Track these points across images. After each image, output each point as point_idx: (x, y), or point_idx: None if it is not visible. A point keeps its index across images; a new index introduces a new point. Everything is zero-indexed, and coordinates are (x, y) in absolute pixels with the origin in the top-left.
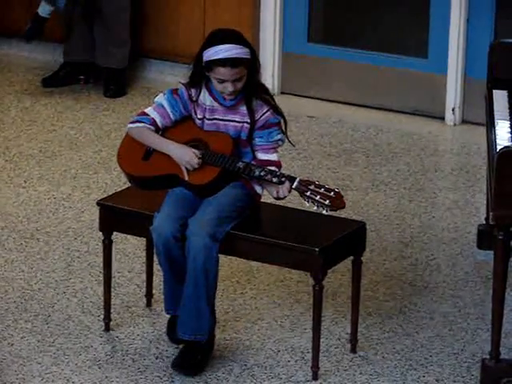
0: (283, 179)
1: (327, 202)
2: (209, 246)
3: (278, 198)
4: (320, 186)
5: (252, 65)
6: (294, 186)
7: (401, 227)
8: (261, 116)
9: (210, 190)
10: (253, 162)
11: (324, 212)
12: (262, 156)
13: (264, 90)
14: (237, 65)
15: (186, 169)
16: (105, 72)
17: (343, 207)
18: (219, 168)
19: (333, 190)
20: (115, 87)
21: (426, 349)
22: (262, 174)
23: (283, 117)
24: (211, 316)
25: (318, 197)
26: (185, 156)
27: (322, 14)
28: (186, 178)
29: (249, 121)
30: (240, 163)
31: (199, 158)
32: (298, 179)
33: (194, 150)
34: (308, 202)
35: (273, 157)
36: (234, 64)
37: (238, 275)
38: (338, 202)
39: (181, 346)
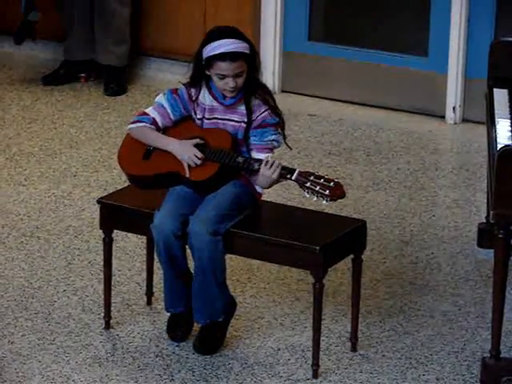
0: (282, 171)
1: (327, 192)
2: (212, 243)
3: (265, 179)
4: (319, 177)
5: (251, 60)
6: (293, 178)
7: (401, 226)
8: (258, 115)
9: (211, 186)
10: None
11: (324, 202)
12: (255, 155)
13: (265, 89)
14: (236, 58)
15: (188, 165)
16: (105, 70)
17: (343, 197)
18: (219, 163)
19: (332, 181)
20: (115, 85)
21: (426, 347)
22: (264, 161)
23: (281, 118)
24: (224, 296)
25: (318, 187)
26: (186, 152)
27: (322, 13)
28: (188, 175)
29: (246, 120)
30: (239, 158)
31: (201, 152)
32: (297, 171)
33: (194, 140)
34: (308, 192)
35: (264, 157)
36: (233, 58)
37: (238, 273)
38: (337, 192)
39: (197, 328)
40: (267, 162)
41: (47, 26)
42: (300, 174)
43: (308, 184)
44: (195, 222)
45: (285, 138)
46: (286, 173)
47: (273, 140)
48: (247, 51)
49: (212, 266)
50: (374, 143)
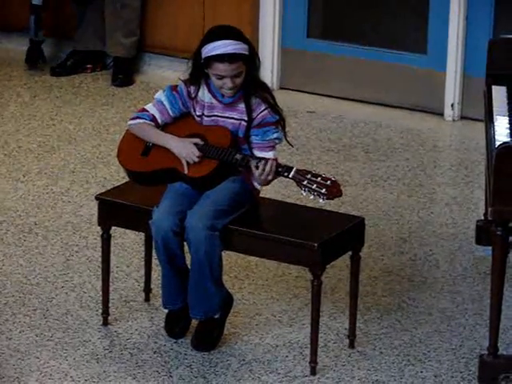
0: (280, 169)
1: (324, 190)
2: (209, 238)
3: (262, 179)
4: (317, 176)
5: (251, 61)
6: (290, 176)
7: (399, 223)
8: (258, 114)
9: (209, 183)
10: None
11: (321, 201)
12: (258, 154)
13: (264, 88)
14: (234, 60)
15: (186, 162)
16: (113, 61)
17: (340, 196)
18: (217, 160)
19: (329, 179)
20: (123, 76)
21: (424, 344)
22: (258, 164)
23: (281, 116)
24: (220, 292)
25: (315, 186)
26: (185, 149)
27: (321, 10)
28: (186, 172)
29: (246, 118)
30: (237, 155)
31: (199, 150)
32: (294, 169)
33: (194, 139)
34: (305, 191)
35: (269, 155)
36: (231, 59)
37: (237, 270)
38: (334, 190)
39: (195, 325)
40: (258, 166)
41: (47, 22)
42: (297, 172)
43: (305, 182)
44: (192, 216)
45: (285, 135)
46: (283, 171)
47: (275, 138)
48: (246, 52)
49: (208, 261)
50: (372, 140)
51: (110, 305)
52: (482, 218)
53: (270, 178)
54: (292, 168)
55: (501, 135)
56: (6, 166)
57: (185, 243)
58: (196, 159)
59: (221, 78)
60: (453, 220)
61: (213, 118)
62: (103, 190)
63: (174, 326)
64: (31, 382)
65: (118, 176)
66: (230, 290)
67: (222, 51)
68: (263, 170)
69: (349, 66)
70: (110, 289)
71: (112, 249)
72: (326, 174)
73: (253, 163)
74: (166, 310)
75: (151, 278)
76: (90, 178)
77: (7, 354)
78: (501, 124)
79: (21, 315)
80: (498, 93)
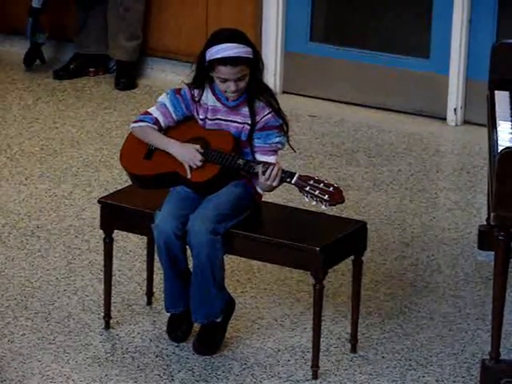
0: (282, 175)
1: (326, 196)
2: (211, 242)
3: (266, 186)
4: (319, 182)
5: (255, 65)
6: (293, 182)
7: (402, 227)
8: (262, 118)
9: (211, 188)
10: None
11: (323, 207)
12: (260, 157)
13: (268, 92)
14: (238, 64)
15: (189, 167)
16: (116, 64)
17: (342, 202)
18: (219, 165)
19: (332, 186)
20: (126, 80)
21: (426, 349)
22: (265, 170)
23: (285, 120)
24: (222, 296)
25: (317, 192)
26: (187, 154)
27: (324, 14)
28: (189, 176)
29: (250, 122)
30: (240, 160)
31: (201, 155)
32: (297, 174)
33: (195, 145)
34: (307, 197)
35: (271, 159)
36: (234, 63)
37: (239, 274)
38: (336, 197)
39: (197, 329)
40: (265, 171)
41: (49, 25)
42: (300, 177)
43: (307, 188)
44: (195, 220)
45: (288, 140)
46: (285, 176)
47: (277, 142)
48: (249, 55)
49: (210, 264)
50: (375, 145)
51: (112, 308)
52: (485, 222)
53: (275, 183)
54: (294, 174)
55: (503, 140)
56: (8, 169)
57: (187, 247)
58: (199, 163)
59: (224, 81)
60: (455, 225)
61: (216, 121)
62: (106, 194)
63: (176, 330)
64: None
65: (120, 179)
66: (232, 294)
67: (226, 54)
68: (269, 175)
69: (351, 70)
70: (112, 292)
71: (114, 252)
72: (329, 180)
73: (259, 168)
74: (169, 314)
75: (153, 282)
76: (92, 181)
77: (9, 357)
78: (503, 129)
79: (23, 318)
80: (501, 98)
